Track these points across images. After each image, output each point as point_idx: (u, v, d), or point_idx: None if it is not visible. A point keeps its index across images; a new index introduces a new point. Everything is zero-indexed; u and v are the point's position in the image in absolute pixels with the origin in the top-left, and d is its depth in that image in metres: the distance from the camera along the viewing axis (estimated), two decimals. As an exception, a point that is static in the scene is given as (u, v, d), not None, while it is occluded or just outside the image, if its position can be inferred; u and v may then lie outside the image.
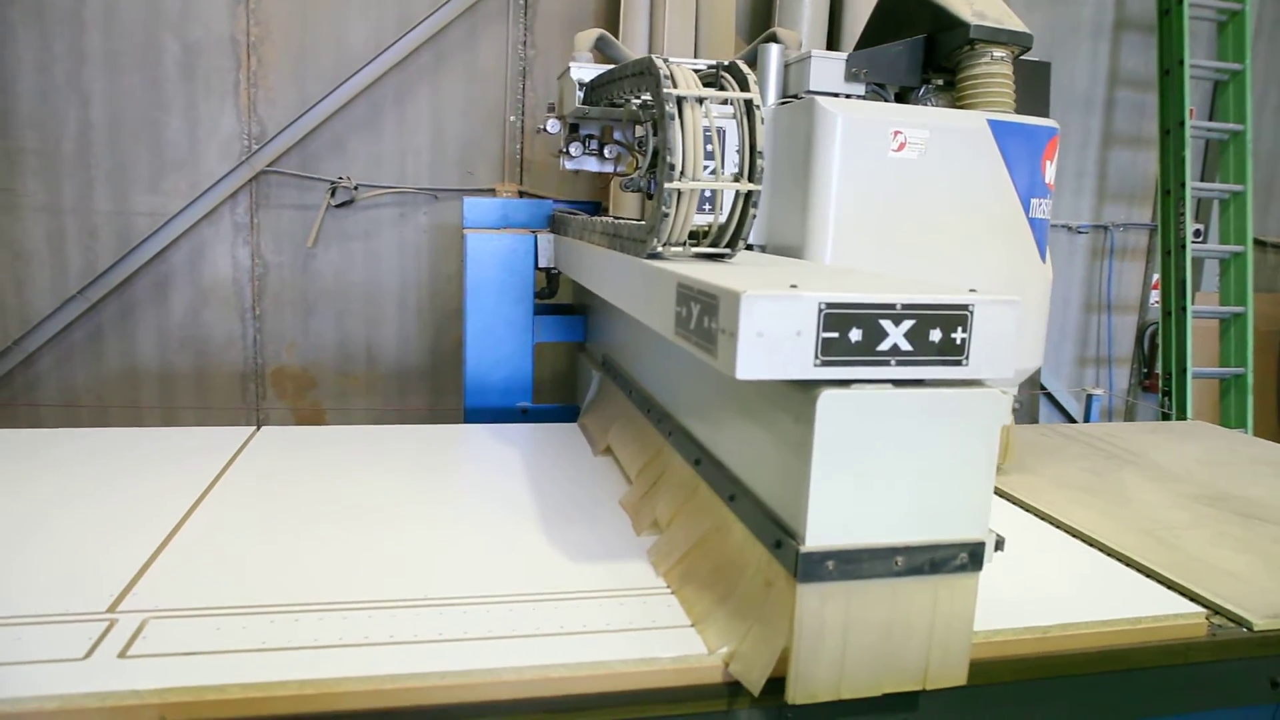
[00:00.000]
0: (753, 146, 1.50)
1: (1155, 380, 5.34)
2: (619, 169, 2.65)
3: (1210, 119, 5.14)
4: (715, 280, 1.16)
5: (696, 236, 1.61)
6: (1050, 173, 2.28)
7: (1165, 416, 4.71)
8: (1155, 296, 5.40)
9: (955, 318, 1.11)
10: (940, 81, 2.35)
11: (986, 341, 1.12)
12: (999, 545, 1.22)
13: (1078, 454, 2.46)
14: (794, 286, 1.09)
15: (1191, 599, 1.51)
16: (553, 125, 2.62)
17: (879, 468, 1.13)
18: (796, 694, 1.17)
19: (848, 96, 2.26)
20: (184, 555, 1.51)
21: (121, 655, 1.17)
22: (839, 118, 2.05)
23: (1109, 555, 1.70)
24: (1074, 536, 1.80)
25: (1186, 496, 2.09)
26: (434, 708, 1.14)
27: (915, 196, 2.13)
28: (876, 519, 1.15)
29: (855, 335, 1.09)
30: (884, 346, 1.10)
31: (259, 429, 2.27)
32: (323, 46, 4.26)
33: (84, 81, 4.07)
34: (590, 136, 2.60)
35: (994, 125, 2.19)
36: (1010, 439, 2.34)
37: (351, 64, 4.25)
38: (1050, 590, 1.52)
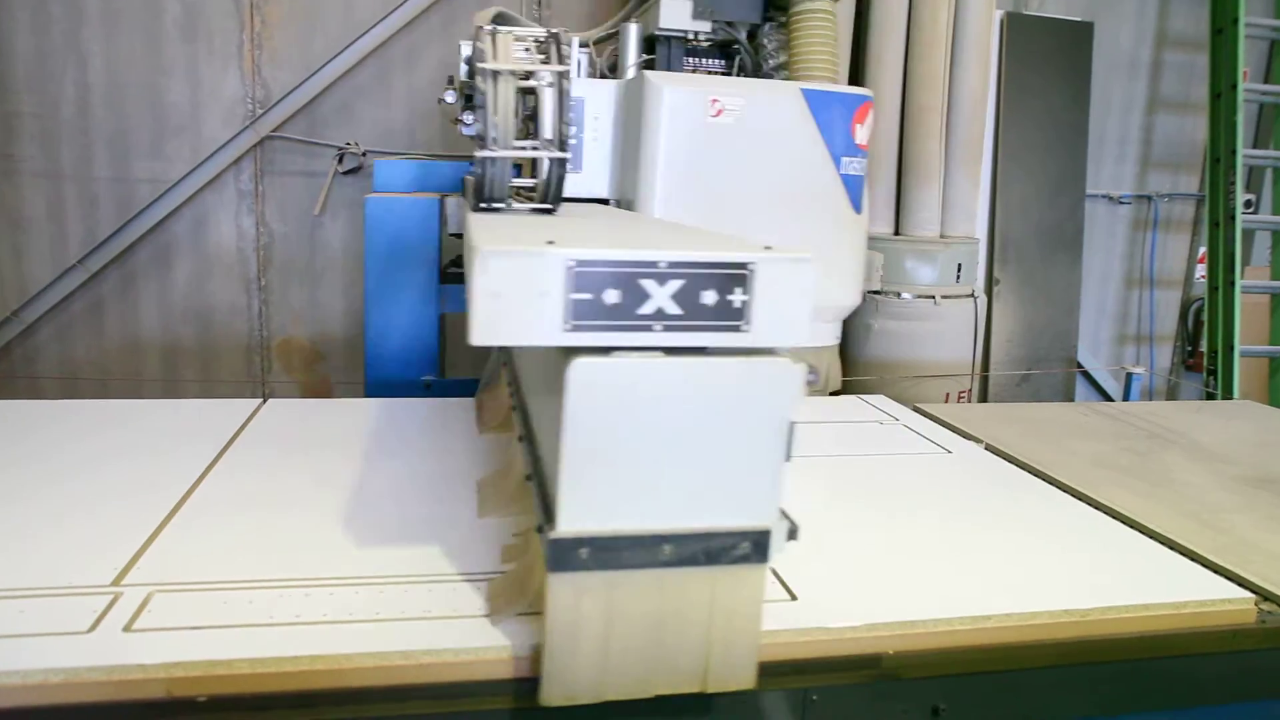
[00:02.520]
0: (561, 116, 1.64)
1: (1199, 359, 5.26)
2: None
3: (1265, 81, 5.03)
4: (479, 233, 1.11)
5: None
6: (861, 134, 2.70)
7: (1210, 396, 4.66)
8: (1201, 271, 5.32)
9: (732, 278, 1.00)
10: (782, 19, 2.80)
11: (772, 305, 1.01)
12: (792, 534, 1.12)
13: (1117, 433, 2.43)
14: (551, 242, 1.00)
15: (1239, 584, 1.48)
16: (449, 95, 2.77)
17: (645, 446, 1.03)
18: (551, 695, 1.09)
19: (695, 35, 2.82)
20: (189, 528, 1.52)
21: (127, 629, 1.18)
22: (663, 89, 2.51)
23: (1151, 538, 1.68)
24: (1114, 518, 1.78)
25: (1233, 478, 2.06)
26: (447, 685, 1.15)
27: (733, 158, 2.56)
28: (641, 503, 1.05)
29: (612, 297, 0.99)
30: (646, 310, 1.00)
31: (265, 401, 2.28)
32: (329, 6, 4.24)
33: (82, 42, 4.07)
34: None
35: (808, 94, 2.60)
36: (833, 368, 2.83)
37: (359, 25, 4.22)
38: (1089, 573, 1.50)
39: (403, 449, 1.99)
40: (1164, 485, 1.99)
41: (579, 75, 2.93)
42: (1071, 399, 5.25)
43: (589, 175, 2.76)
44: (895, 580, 1.44)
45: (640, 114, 2.55)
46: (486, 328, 0.97)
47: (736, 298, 1.01)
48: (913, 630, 1.29)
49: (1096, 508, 1.83)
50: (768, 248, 1.04)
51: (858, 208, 2.78)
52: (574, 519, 1.05)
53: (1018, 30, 4.85)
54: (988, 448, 2.22)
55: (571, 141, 2.44)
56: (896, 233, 4.68)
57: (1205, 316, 4.80)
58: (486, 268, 0.96)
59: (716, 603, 1.10)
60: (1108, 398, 5.32)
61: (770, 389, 1.05)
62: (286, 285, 4.46)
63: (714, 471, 1.07)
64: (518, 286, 0.97)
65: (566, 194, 2.33)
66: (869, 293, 4.48)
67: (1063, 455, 2.18)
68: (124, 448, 1.92)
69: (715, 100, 2.54)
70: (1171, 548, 1.63)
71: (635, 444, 1.03)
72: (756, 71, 2.96)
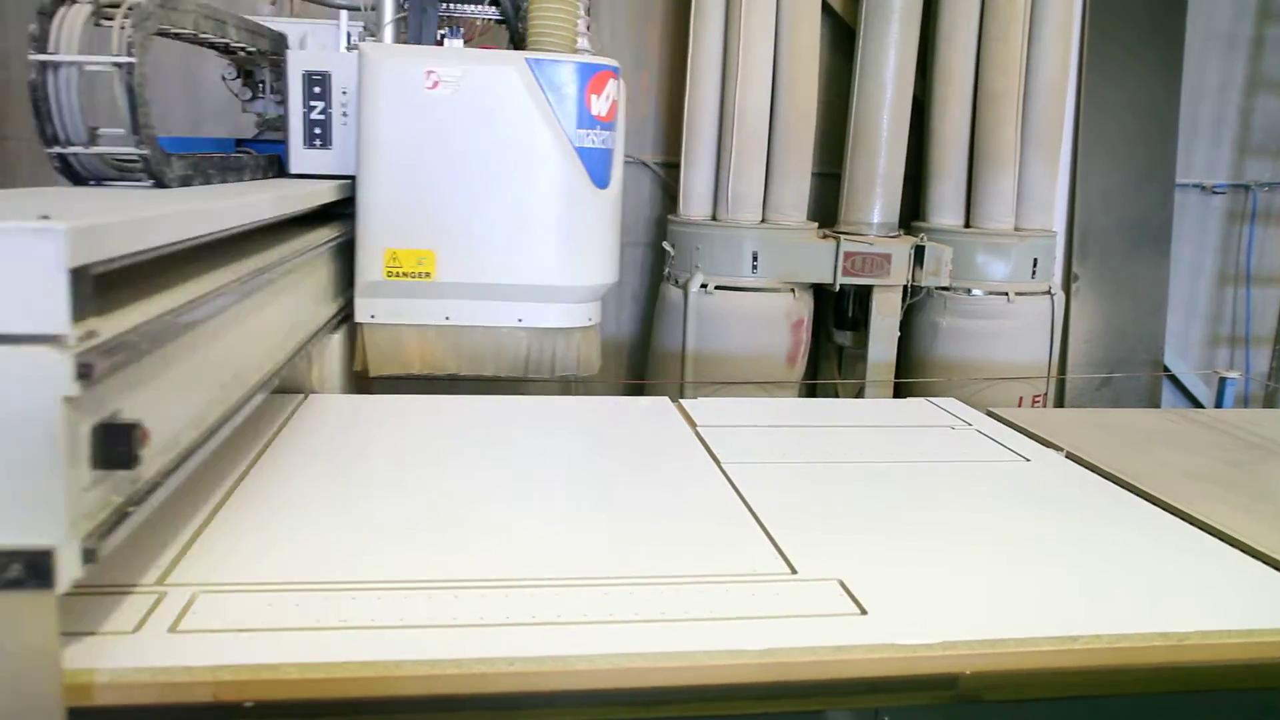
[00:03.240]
0: (131, 105, 1.74)
1: (1300, 363, 5.11)
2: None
3: (1376, 61, 4.87)
4: None
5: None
6: (599, 105, 2.72)
7: (1312, 404, 4.52)
8: (1303, 267, 5.16)
9: None
10: None
11: (7, 283, 0.94)
12: (90, 556, 1.03)
13: (1212, 443, 2.37)
14: None
15: (1353, 608, 1.44)
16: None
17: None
18: None
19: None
20: (233, 527, 1.55)
21: (172, 630, 1.21)
22: (377, 61, 2.59)
23: (1253, 556, 1.63)
24: (1211, 534, 1.74)
25: (1344, 493, 2.00)
26: (501, 695, 1.16)
27: (453, 131, 2.62)
28: None
29: None
30: None
31: (306, 397, 2.32)
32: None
33: None
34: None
35: (533, 64, 2.64)
36: (587, 351, 2.93)
37: None
38: (1186, 594, 1.47)
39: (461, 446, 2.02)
40: (1266, 499, 1.94)
41: (346, 45, 3.01)
42: (1157, 405, 5.13)
43: (338, 152, 2.77)
44: (973, 595, 1.42)
45: (360, 89, 2.64)
46: None
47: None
48: (993, 650, 1.27)
49: (1191, 523, 1.79)
50: (44, 217, 0.97)
51: (601, 182, 2.79)
52: None
53: (1102, 6, 4.74)
54: (1069, 456, 2.18)
55: (318, 118, 2.74)
56: (967, 225, 4.62)
57: (1308, 317, 4.66)
58: None
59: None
60: (1197, 404, 5.18)
61: (19, 381, 0.97)
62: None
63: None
64: None
65: (316, 171, 2.76)
66: (936, 289, 4.43)
67: (1152, 465, 2.13)
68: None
69: (431, 72, 2.59)
70: (1276, 568, 1.59)
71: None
72: (521, 43, 2.99)
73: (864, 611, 1.34)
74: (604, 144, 2.78)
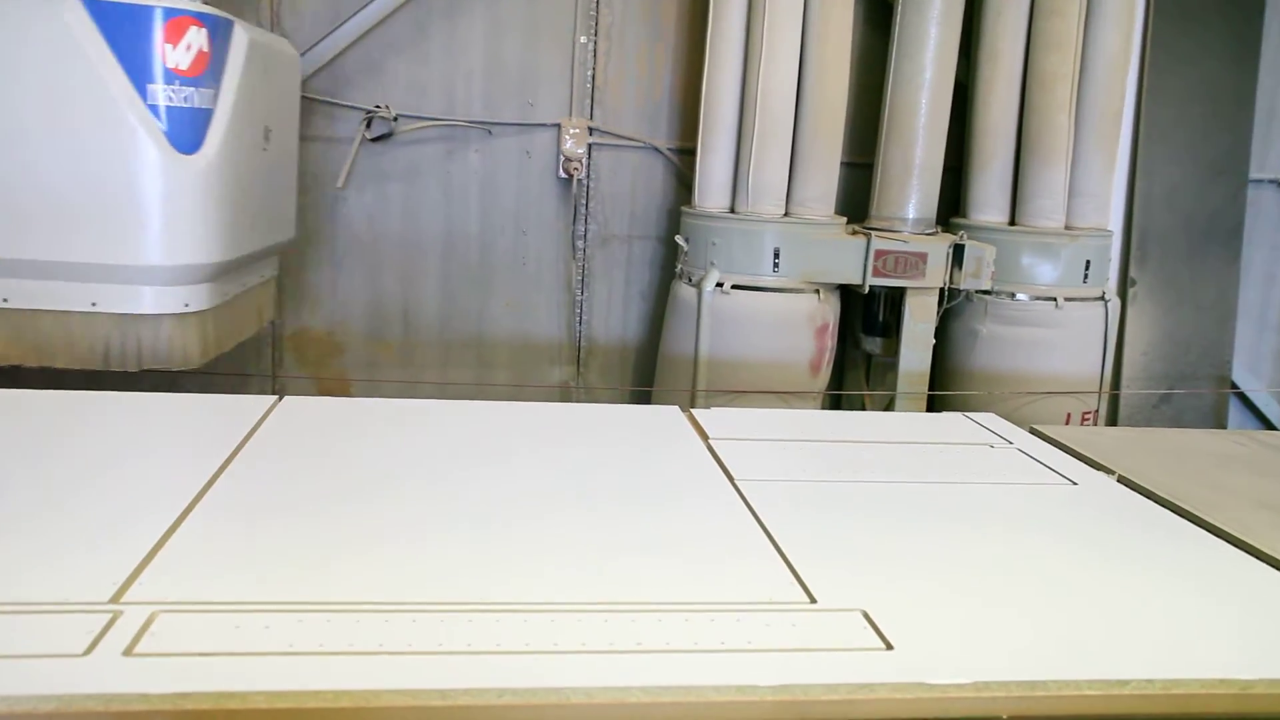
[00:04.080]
0: None
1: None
2: None
3: None
4: None
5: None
6: (180, 58, 2.57)
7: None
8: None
9: None
10: None
11: None
12: None
13: (1284, 469, 2.36)
14: None
15: None
16: None
17: None
18: None
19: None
20: (198, 540, 1.55)
21: (127, 653, 1.20)
22: None
23: (1330, 596, 1.63)
24: None
25: None
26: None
27: None
28: None
29: None
30: None
31: (280, 398, 2.34)
32: (359, -52, 4.32)
33: None
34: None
35: (93, 6, 2.47)
36: (192, 334, 2.81)
37: (392, -31, 4.29)
38: (1252, 637, 1.46)
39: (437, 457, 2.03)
40: (1342, 533, 1.93)
41: None
42: (1223, 425, 5.11)
43: None
44: (1011, 632, 1.42)
45: None
46: None
47: None
48: (1033, 693, 1.27)
49: (1259, 557, 1.78)
50: None
51: (187, 146, 2.68)
52: None
53: (1169, -19, 4.74)
54: (1120, 479, 2.18)
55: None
56: (1012, 222, 4.62)
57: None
58: None
59: None
60: (1269, 426, 5.16)
61: None
62: (302, 268, 4.55)
63: None
64: None
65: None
66: (976, 293, 4.44)
67: (1215, 493, 2.12)
68: (124, 445, 1.98)
69: None
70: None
71: None
72: None
73: (889, 646, 1.34)
74: (190, 102, 2.63)
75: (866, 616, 1.41)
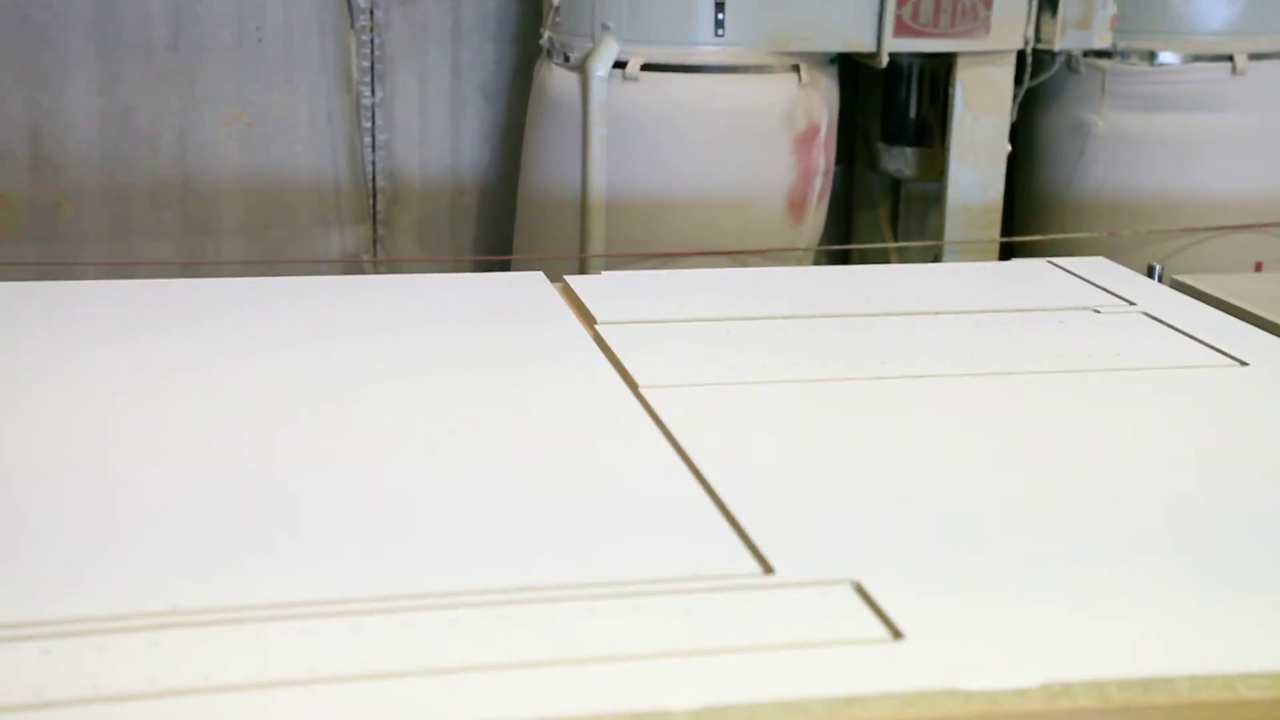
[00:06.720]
0: None
1: None
2: None
3: None
4: None
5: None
6: None
7: None
8: None
9: None
10: None
11: None
12: None
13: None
14: None
15: None
16: None
17: None
18: None
19: None
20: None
21: None
22: None
23: None
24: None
25: None
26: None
27: None
28: None
29: None
30: None
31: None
32: None
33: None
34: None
35: None
36: None
37: None
38: None
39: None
40: None
41: None
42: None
43: None
44: (1103, 610, 1.47)
45: None
46: None
47: None
48: (1127, 698, 1.34)
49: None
50: None
51: None
52: None
53: None
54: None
55: None
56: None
57: None
58: None
59: None
60: None
61: None
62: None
63: None
64: None
65: None
66: (1086, 56, 4.47)
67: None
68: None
69: None
70: None
71: None
72: None
73: (898, 635, 1.40)
74: None
75: (864, 594, 1.47)
